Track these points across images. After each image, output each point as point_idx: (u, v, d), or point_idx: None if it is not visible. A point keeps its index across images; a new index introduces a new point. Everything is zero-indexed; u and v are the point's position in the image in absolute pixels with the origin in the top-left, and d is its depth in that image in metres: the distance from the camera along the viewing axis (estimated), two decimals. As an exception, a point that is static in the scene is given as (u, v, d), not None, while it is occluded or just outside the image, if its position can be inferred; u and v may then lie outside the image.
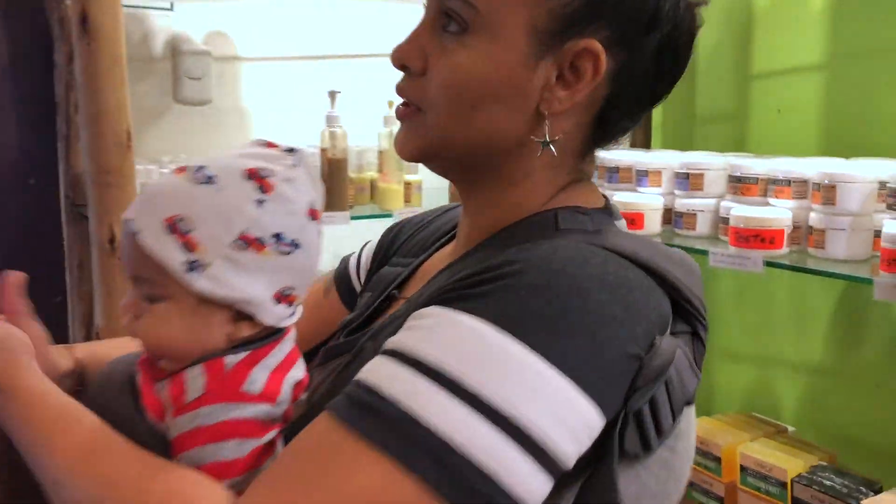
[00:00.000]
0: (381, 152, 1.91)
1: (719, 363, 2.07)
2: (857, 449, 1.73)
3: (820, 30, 1.75)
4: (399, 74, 0.68)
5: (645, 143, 2.03)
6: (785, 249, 1.30)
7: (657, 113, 2.09)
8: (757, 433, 1.48)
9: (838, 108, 1.75)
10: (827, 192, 1.25)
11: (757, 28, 1.89)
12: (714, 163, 1.48)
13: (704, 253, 1.38)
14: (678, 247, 1.53)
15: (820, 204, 1.27)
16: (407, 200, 1.97)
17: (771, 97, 1.88)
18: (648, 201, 1.52)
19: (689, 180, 1.49)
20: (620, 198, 1.55)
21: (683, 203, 1.51)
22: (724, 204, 1.44)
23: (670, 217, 1.56)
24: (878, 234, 1.27)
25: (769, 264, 1.27)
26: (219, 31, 2.19)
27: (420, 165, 2.00)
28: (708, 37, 2.00)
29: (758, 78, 1.91)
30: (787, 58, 1.85)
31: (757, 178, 1.39)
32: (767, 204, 1.38)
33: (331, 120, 1.81)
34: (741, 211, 1.32)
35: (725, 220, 1.43)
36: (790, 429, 1.65)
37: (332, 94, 1.81)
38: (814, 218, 1.29)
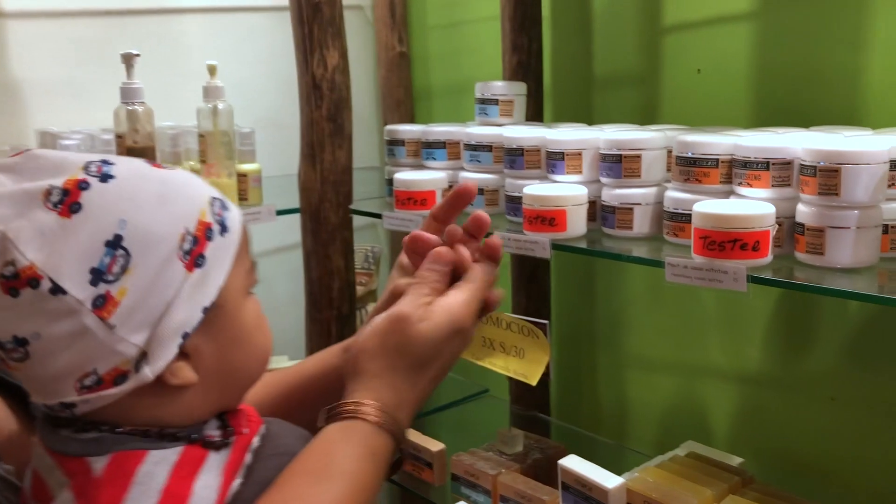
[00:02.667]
0: (202, 136, 1.43)
1: (637, 376, 1.75)
2: (811, 482, 1.45)
3: (749, -30, 1.43)
4: None
5: (536, 116, 1.66)
6: (769, 257, 0.96)
7: (546, 78, 1.72)
8: (716, 484, 1.15)
9: (772, 65, 1.44)
10: (827, 177, 0.92)
11: (667, -29, 1.55)
12: (654, 140, 1.12)
13: (657, 264, 1.02)
14: (609, 253, 1.16)
15: (816, 194, 0.93)
16: (243, 198, 1.51)
17: (688, 55, 1.56)
18: (570, 193, 1.14)
19: (623, 164, 1.13)
20: (530, 190, 1.17)
21: (615, 195, 1.14)
22: (671, 194, 1.09)
23: (594, 213, 1.19)
24: (886, 230, 0.95)
25: (757, 280, 0.93)
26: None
27: (257, 149, 1.50)
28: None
29: (671, 32, 1.58)
30: (705, 6, 1.52)
31: (717, 160, 1.04)
32: (733, 195, 1.04)
33: (128, 93, 1.32)
34: (708, 207, 0.96)
35: (676, 217, 1.07)
36: (737, 460, 1.35)
37: (129, 58, 1.31)
38: (806, 213, 0.95)
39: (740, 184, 1.02)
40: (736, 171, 1.02)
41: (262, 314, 0.69)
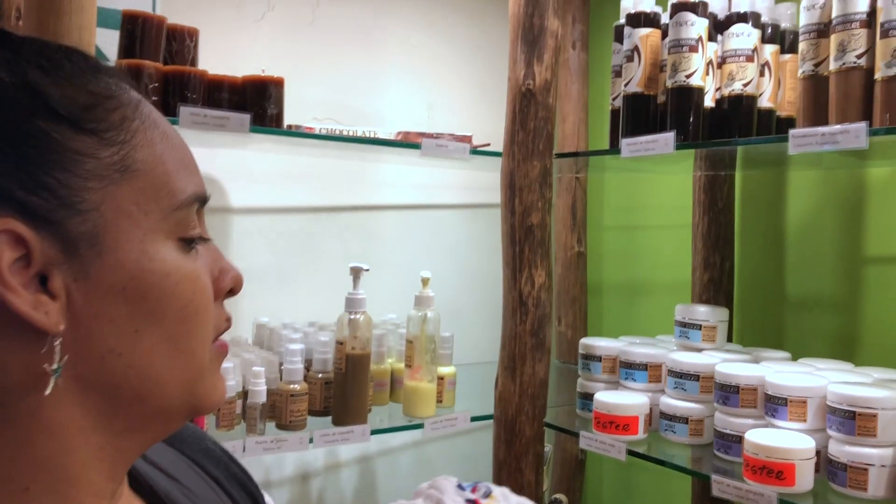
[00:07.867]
0: (409, 341, 1.49)
1: None
2: None
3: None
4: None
5: (727, 336, 1.65)
6: None
7: (735, 296, 1.73)
8: None
9: None
10: None
11: (871, 206, 1.56)
12: (891, 400, 1.10)
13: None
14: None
15: None
16: (439, 400, 1.55)
17: (894, 288, 1.53)
18: (800, 446, 1.12)
19: (857, 422, 1.10)
20: (755, 438, 1.15)
21: (846, 452, 1.11)
22: (913, 460, 1.05)
23: (818, 463, 1.16)
24: None
25: None
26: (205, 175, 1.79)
27: (454, 353, 1.58)
28: (802, 213, 1.67)
29: (875, 262, 1.57)
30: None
31: (970, 433, 1.00)
32: None
33: (353, 303, 1.40)
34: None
35: (920, 486, 1.03)
36: None
37: (357, 272, 1.40)
38: None
39: None
40: None
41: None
